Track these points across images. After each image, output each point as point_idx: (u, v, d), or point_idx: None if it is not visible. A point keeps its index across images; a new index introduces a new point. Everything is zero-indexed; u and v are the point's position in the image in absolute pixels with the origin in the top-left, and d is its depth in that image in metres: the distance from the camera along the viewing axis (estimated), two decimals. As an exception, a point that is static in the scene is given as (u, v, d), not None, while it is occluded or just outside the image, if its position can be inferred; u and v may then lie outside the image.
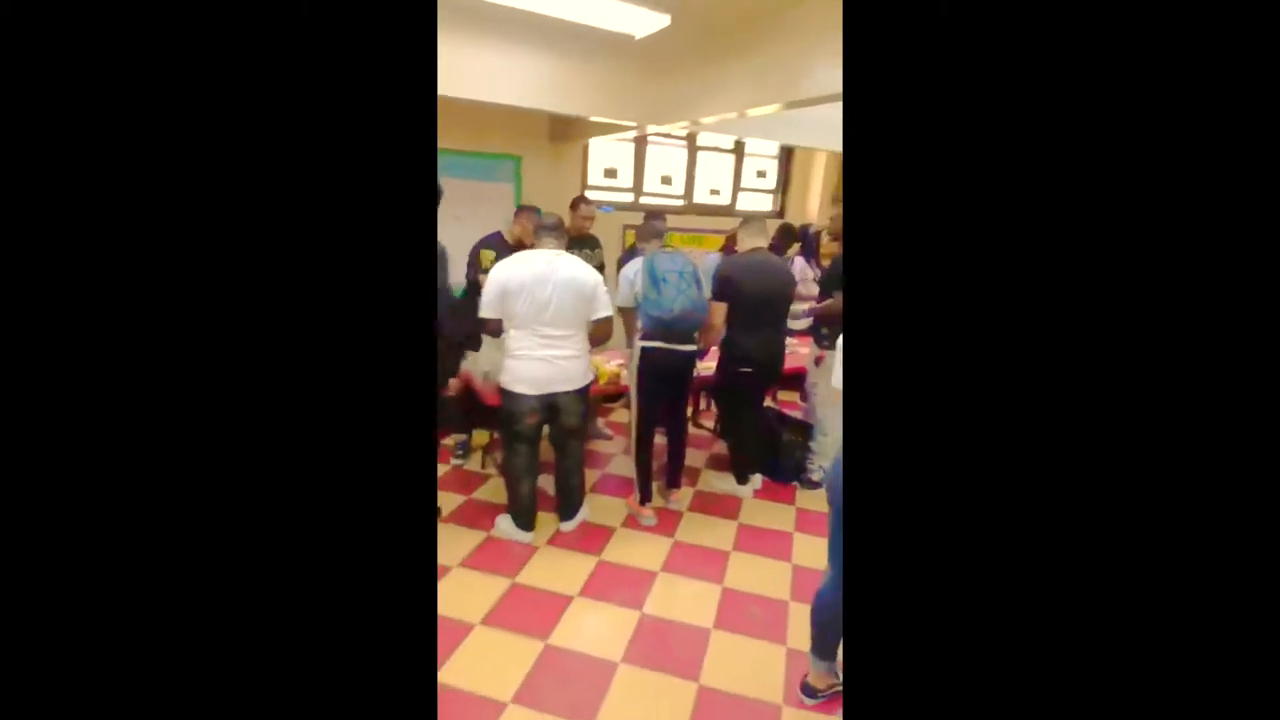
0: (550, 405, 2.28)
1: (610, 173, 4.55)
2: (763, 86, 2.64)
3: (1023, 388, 0.57)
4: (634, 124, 3.08)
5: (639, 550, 2.43)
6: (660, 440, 2.70)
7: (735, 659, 1.87)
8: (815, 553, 2.47)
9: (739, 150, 5.07)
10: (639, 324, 2.48)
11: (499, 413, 2.35)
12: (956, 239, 0.59)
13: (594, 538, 2.50)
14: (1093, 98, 0.55)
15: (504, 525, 2.46)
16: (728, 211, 5.12)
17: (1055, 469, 0.56)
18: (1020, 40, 0.56)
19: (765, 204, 5.42)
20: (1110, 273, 0.55)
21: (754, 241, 2.69)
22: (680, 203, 4.89)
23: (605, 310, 2.28)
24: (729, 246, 3.20)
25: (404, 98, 0.62)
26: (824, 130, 3.89)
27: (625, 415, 3.65)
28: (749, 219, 2.78)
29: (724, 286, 2.57)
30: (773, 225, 3.32)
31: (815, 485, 3.00)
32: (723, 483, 2.95)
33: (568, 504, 2.51)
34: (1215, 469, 0.53)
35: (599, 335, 2.33)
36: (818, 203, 5.38)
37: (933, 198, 0.59)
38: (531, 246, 2.32)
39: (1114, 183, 0.54)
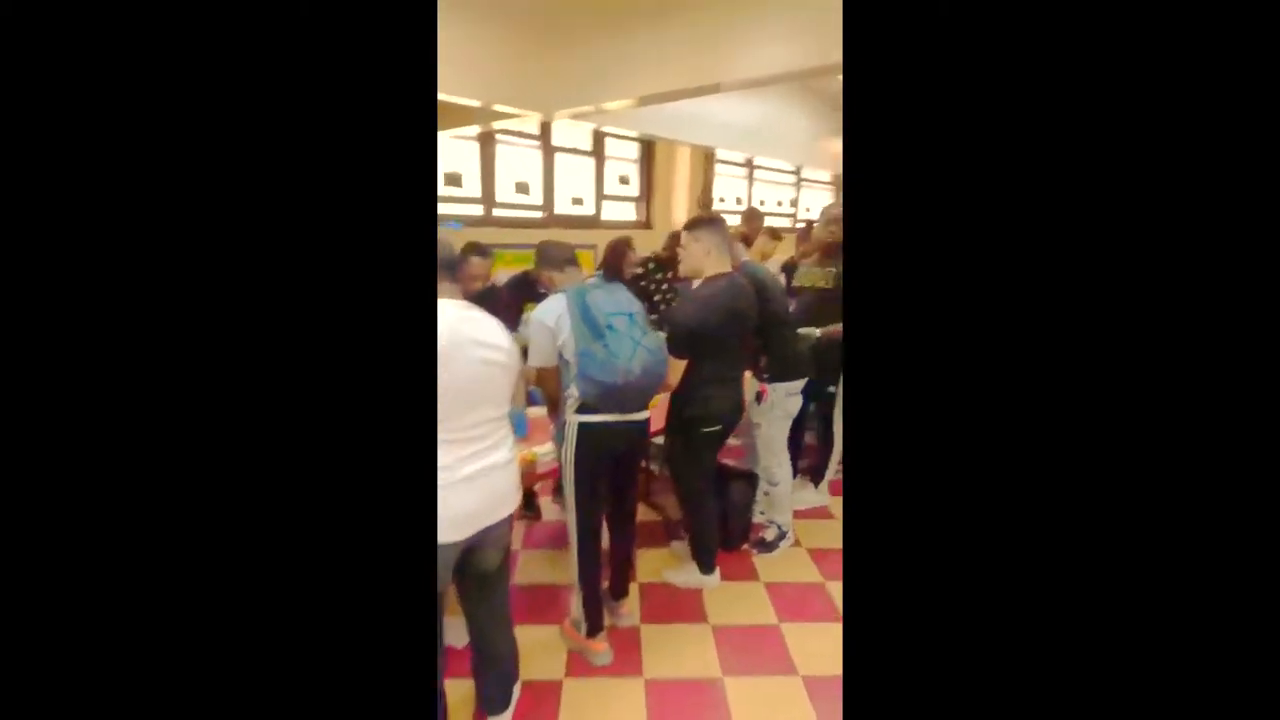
0: (471, 547, 1.35)
1: (453, 179, 3.64)
2: (678, 67, 2.05)
3: (1066, 419, 0.55)
4: (520, 111, 2.29)
5: (605, 714, 1.69)
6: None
7: None
8: (817, 648, 1.95)
9: (599, 150, 4.43)
10: (572, 390, 1.73)
11: None
12: (959, 244, 0.57)
13: (533, 708, 1.70)
14: (1094, 100, 0.54)
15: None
16: (592, 224, 4.47)
17: (1099, 521, 0.55)
18: (1021, 41, 0.55)
19: (629, 214, 4.86)
20: (1118, 276, 0.54)
21: (718, 265, 1.97)
22: (540, 214, 4.12)
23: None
24: (667, 273, 2.54)
25: (403, 92, 0.61)
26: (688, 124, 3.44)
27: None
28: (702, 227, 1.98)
29: (692, 338, 1.90)
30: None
31: (771, 547, 2.50)
32: (680, 575, 2.28)
33: (498, 686, 1.55)
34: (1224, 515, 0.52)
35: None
36: (685, 210, 4.96)
37: (935, 202, 0.58)
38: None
39: (1116, 187, 0.54)
